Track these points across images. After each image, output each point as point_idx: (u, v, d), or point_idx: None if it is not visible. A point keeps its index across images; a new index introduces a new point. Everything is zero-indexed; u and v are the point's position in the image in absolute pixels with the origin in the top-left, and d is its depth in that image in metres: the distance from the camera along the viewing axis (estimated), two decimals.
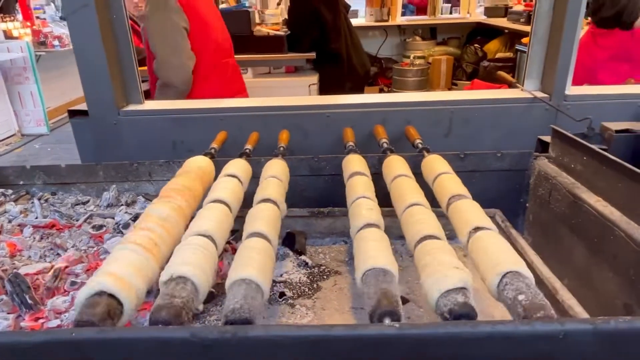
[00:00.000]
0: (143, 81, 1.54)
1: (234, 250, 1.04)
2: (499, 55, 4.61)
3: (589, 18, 2.06)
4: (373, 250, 0.62)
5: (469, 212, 0.75)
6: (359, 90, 2.90)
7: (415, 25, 5.61)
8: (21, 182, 1.16)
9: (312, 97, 1.41)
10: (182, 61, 1.75)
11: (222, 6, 2.97)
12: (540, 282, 0.89)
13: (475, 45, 5.03)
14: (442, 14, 5.65)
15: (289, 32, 2.66)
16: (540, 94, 1.39)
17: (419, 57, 4.91)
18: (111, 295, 0.54)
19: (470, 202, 0.80)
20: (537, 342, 0.42)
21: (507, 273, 0.58)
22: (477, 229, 0.70)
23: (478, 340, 0.43)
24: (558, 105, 1.35)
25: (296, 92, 2.62)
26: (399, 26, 5.53)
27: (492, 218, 1.12)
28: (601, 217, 0.84)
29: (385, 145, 1.18)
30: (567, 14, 1.27)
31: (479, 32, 5.28)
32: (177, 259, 0.62)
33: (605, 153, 0.90)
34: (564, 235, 0.99)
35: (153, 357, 0.44)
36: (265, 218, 0.75)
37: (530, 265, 0.93)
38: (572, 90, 1.38)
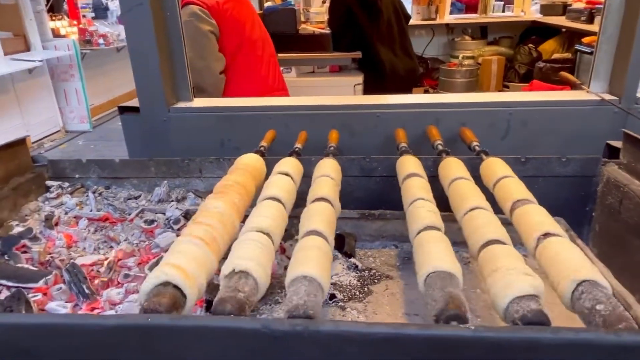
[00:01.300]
0: None
1: (283, 250, 1.07)
2: (556, 56, 4.47)
3: None
4: (437, 252, 0.63)
5: (537, 217, 0.74)
6: (406, 92, 2.91)
7: (465, 23, 5.53)
8: (77, 176, 1.23)
9: (360, 96, 1.42)
10: (208, 63, 1.86)
11: (267, 4, 3.04)
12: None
13: (530, 45, 4.88)
14: (493, 12, 5.54)
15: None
16: (608, 96, 1.34)
17: (468, 58, 4.83)
18: (176, 287, 0.57)
19: (537, 207, 0.79)
20: (620, 353, 0.42)
21: (584, 282, 0.57)
22: (547, 234, 0.69)
23: (557, 347, 0.42)
24: (629, 108, 1.31)
25: (341, 91, 2.65)
26: (447, 25, 5.46)
27: None
28: None
29: (440, 147, 1.17)
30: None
31: (534, 32, 5.13)
32: (239, 253, 0.64)
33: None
34: (637, 247, 0.95)
35: (222, 346, 0.46)
36: (321, 216, 0.76)
37: None
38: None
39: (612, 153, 1.12)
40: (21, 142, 1.19)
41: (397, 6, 2.77)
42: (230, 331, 0.45)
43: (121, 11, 1.42)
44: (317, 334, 0.43)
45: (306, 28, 2.78)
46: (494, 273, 0.59)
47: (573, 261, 0.61)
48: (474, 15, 5.61)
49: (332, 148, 1.19)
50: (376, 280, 1.00)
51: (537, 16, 5.23)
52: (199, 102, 1.55)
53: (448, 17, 5.46)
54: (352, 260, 1.05)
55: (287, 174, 0.97)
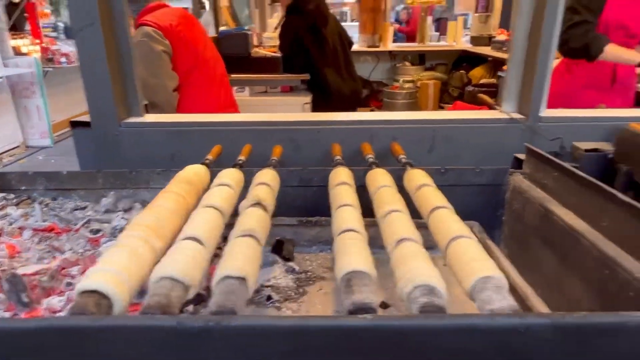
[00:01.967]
0: None
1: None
2: (483, 81, 4.70)
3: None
4: (352, 253, 0.64)
5: (450, 222, 0.77)
6: (351, 111, 2.96)
7: (405, 51, 5.72)
8: (23, 187, 1.17)
9: (304, 114, 1.44)
10: (161, 81, 1.83)
11: (222, 28, 3.02)
12: (512, 289, 0.91)
13: (461, 71, 5.12)
14: (430, 41, 5.77)
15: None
16: (517, 115, 1.42)
17: (408, 81, 4.99)
18: (103, 293, 0.55)
19: (451, 213, 0.82)
20: (499, 335, 0.44)
21: (482, 278, 0.60)
22: (456, 237, 0.72)
23: (445, 332, 0.44)
24: (533, 126, 1.39)
25: (290, 110, 2.66)
26: (390, 52, 5.63)
27: (470, 230, 1.14)
28: (569, 229, 0.87)
29: (370, 159, 1.20)
30: (540, 43, 1.32)
31: (465, 59, 5.38)
32: (167, 260, 0.63)
33: (575, 170, 0.93)
34: (536, 246, 1.00)
35: (140, 345, 0.45)
36: (253, 218, 0.76)
37: (504, 273, 0.95)
38: (546, 112, 1.41)
39: (519, 164, 1.19)
40: None
41: (341, 34, 2.83)
42: (147, 329, 0.44)
43: (73, 30, 1.37)
44: (230, 328, 0.43)
45: (258, 51, 2.79)
46: (400, 266, 0.60)
47: (475, 260, 0.64)
48: (413, 44, 5.82)
49: (273, 161, 1.19)
50: (311, 282, 1.00)
51: (467, 46, 5.49)
52: (150, 117, 1.51)
53: (391, 46, 5.63)
54: (290, 264, 1.05)
55: (226, 184, 0.96)
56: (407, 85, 4.92)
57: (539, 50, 1.33)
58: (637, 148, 1.08)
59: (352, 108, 2.96)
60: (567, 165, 0.94)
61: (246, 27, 2.82)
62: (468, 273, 0.61)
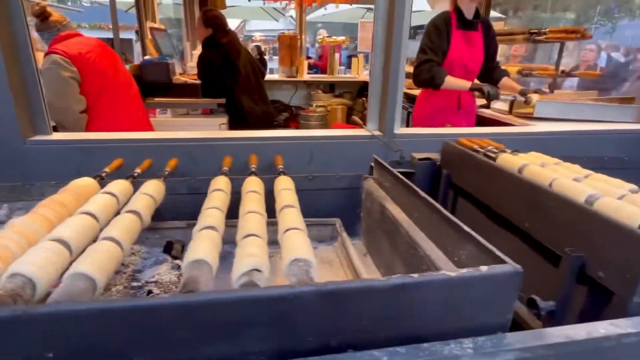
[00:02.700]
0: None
1: None
2: None
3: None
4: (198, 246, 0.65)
5: (289, 217, 0.81)
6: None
7: (318, 81, 5.88)
8: None
9: (199, 132, 1.42)
10: (67, 104, 1.75)
11: (147, 57, 2.91)
12: (354, 271, 0.98)
13: (363, 98, 5.38)
14: (338, 74, 5.99)
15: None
16: (377, 133, 1.53)
17: (320, 106, 5.13)
18: None
19: (295, 210, 0.86)
20: (274, 303, 0.47)
21: (296, 259, 0.64)
22: (290, 229, 0.76)
23: (229, 304, 0.47)
24: (389, 141, 1.51)
25: (208, 129, 2.62)
26: (305, 81, 5.76)
27: (333, 225, 1.21)
28: (394, 220, 0.95)
29: (253, 169, 1.22)
30: (390, 76, 1.44)
31: (366, 89, 5.65)
32: (23, 258, 0.60)
33: (399, 174, 1.02)
34: (379, 236, 1.09)
35: None
36: (119, 225, 0.75)
37: (351, 259, 1.02)
38: (400, 130, 1.54)
39: (372, 171, 1.28)
40: None
41: (253, 64, 2.86)
42: None
43: None
44: (37, 315, 0.42)
45: (179, 78, 2.73)
46: (239, 254, 0.63)
47: (296, 246, 0.68)
48: (324, 75, 6.01)
49: (166, 172, 1.17)
50: None
51: (368, 78, 5.78)
52: (57, 136, 1.42)
53: (306, 76, 5.76)
54: (177, 261, 1.04)
55: (110, 193, 0.93)
56: (319, 109, 5.05)
57: (389, 82, 1.45)
58: (454, 157, 1.21)
59: (265, 127, 2.99)
60: (395, 171, 1.04)
61: (167, 58, 2.74)
62: (287, 255, 0.65)
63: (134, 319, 0.45)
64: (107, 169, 1.15)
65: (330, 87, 5.90)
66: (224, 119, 2.70)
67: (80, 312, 0.43)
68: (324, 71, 6.24)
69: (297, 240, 0.70)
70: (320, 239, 1.21)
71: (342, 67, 6.11)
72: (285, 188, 1.00)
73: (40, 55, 1.78)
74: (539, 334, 0.52)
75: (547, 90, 2.47)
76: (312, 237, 1.22)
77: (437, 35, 2.04)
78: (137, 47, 3.16)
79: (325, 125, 4.93)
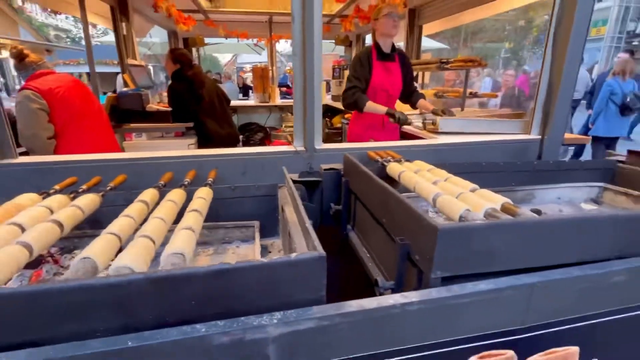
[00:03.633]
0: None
1: (56, 262, 1.02)
2: (337, 125, 5.07)
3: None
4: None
5: (186, 219, 0.84)
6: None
7: (289, 105, 5.96)
8: None
9: (149, 152, 1.44)
10: (35, 132, 1.75)
11: (124, 89, 2.90)
12: None
13: (326, 119, 5.47)
14: None
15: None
16: (301, 149, 1.58)
17: (289, 126, 5.19)
18: None
19: (196, 214, 0.90)
20: (110, 290, 0.50)
21: (170, 253, 0.68)
22: (182, 228, 0.79)
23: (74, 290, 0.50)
24: (311, 155, 1.56)
25: (178, 149, 2.63)
26: (277, 105, 5.82)
27: (252, 227, 1.25)
28: (287, 220, 1.00)
29: (185, 182, 1.25)
30: (307, 101, 1.50)
31: (329, 110, 5.76)
32: None
33: (300, 184, 1.07)
34: (286, 234, 1.13)
35: None
36: (37, 230, 0.76)
37: (254, 255, 1.05)
38: (321, 146, 1.59)
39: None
40: None
41: (219, 93, 2.89)
42: None
43: None
44: None
45: (152, 106, 2.73)
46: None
47: (176, 242, 0.72)
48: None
49: (108, 188, 1.19)
50: None
51: (330, 102, 5.89)
52: (21, 159, 1.41)
53: (278, 101, 5.83)
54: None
55: (46, 207, 0.94)
56: (288, 129, 5.12)
57: (308, 105, 1.51)
58: (350, 167, 1.27)
59: (230, 146, 3.01)
60: (291, 180, 1.09)
61: (141, 89, 2.75)
62: (168, 248, 0.69)
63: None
64: (57, 186, 1.16)
65: None
66: (192, 140, 2.71)
67: None
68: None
69: (179, 237, 0.73)
70: (243, 239, 1.24)
71: None
72: (200, 197, 1.03)
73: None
74: (338, 306, 0.57)
75: (459, 108, 2.59)
76: (236, 237, 1.26)
77: (360, 66, 2.13)
78: (119, 79, 3.15)
79: None
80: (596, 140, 5.30)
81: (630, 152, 1.68)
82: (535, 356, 0.72)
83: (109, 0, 3.03)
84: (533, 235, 0.69)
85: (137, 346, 0.47)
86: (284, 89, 6.63)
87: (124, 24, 3.10)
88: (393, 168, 1.23)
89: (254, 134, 5.52)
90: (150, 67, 3.79)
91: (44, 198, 1.05)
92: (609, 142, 5.24)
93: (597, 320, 0.72)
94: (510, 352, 0.69)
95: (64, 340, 0.47)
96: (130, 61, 3.13)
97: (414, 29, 3.83)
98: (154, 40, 6.39)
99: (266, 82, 5.47)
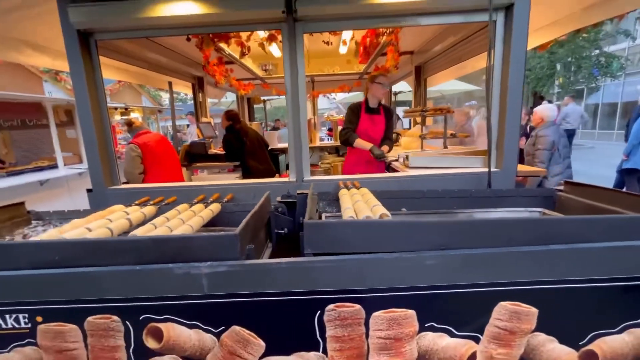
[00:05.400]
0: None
1: None
2: None
3: None
4: None
5: (189, 220, 1.30)
6: None
7: (327, 146, 6.49)
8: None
9: (194, 182, 1.96)
10: (132, 170, 2.43)
11: (193, 139, 3.69)
12: None
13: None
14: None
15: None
16: (294, 179, 1.99)
17: (325, 163, 5.67)
18: None
19: (175, 221, 1.34)
20: (131, 244, 0.96)
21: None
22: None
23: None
24: (300, 184, 1.95)
25: (227, 181, 3.23)
26: (318, 146, 6.39)
27: None
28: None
29: (209, 201, 1.73)
30: (295, 141, 1.92)
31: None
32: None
33: (283, 205, 1.46)
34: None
35: None
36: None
37: None
38: (309, 177, 1.98)
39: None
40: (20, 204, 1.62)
41: (259, 139, 3.51)
42: None
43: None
44: None
45: (213, 151, 3.43)
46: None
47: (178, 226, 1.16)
48: (331, 142, 6.62)
49: (164, 203, 1.72)
50: None
51: None
52: (123, 186, 2.06)
53: (318, 143, 6.40)
54: None
55: (124, 212, 1.48)
56: (324, 165, 5.61)
57: (296, 145, 1.93)
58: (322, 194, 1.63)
59: (269, 177, 3.55)
60: (283, 200, 1.48)
61: (205, 139, 3.48)
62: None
63: None
64: (136, 202, 1.73)
65: (336, 150, 6.48)
66: (239, 174, 3.32)
67: None
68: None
69: (179, 225, 1.18)
70: None
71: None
72: (210, 209, 1.49)
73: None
74: (242, 262, 0.94)
75: (441, 145, 2.80)
76: None
77: (352, 115, 2.55)
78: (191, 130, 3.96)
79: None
80: (630, 172, 4.77)
81: (566, 182, 1.76)
82: (380, 312, 0.98)
83: (190, 80, 3.97)
84: (375, 231, 0.99)
85: (140, 270, 0.90)
86: (328, 132, 7.22)
87: (200, 94, 4.00)
88: (341, 192, 1.57)
89: None
90: (216, 122, 4.65)
91: (127, 207, 1.60)
92: None
93: (421, 292, 0.96)
94: (358, 306, 0.98)
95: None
96: (202, 119, 3.97)
97: (420, 82, 4.13)
98: (229, 100, 7.59)
99: (310, 128, 6.09)
